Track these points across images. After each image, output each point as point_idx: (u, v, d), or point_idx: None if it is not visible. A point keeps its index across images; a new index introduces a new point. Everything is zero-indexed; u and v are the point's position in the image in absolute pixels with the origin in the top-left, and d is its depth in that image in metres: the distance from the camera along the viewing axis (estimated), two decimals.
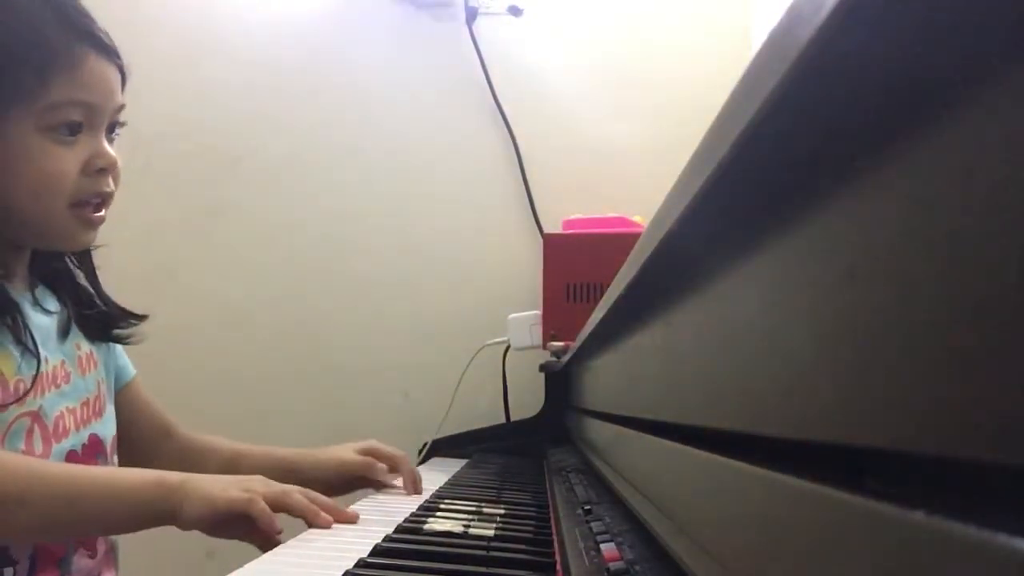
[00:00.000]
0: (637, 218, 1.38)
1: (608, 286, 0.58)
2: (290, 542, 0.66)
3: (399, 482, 0.96)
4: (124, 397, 0.98)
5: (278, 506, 0.71)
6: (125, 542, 0.92)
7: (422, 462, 1.33)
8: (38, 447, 0.77)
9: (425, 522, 0.70)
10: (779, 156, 0.23)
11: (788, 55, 0.19)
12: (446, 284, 1.63)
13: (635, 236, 0.46)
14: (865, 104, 0.18)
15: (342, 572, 0.52)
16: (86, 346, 0.88)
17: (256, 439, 1.13)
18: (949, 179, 0.15)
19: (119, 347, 0.96)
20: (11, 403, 0.75)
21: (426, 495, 0.90)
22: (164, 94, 1.62)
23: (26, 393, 0.76)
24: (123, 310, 0.93)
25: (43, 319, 0.83)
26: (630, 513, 0.55)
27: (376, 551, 0.59)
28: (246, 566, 0.57)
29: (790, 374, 0.24)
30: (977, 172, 0.14)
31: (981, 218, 0.14)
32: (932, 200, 0.16)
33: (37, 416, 0.78)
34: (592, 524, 0.59)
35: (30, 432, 0.77)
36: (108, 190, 0.83)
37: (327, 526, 0.72)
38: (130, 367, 1.00)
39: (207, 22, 1.66)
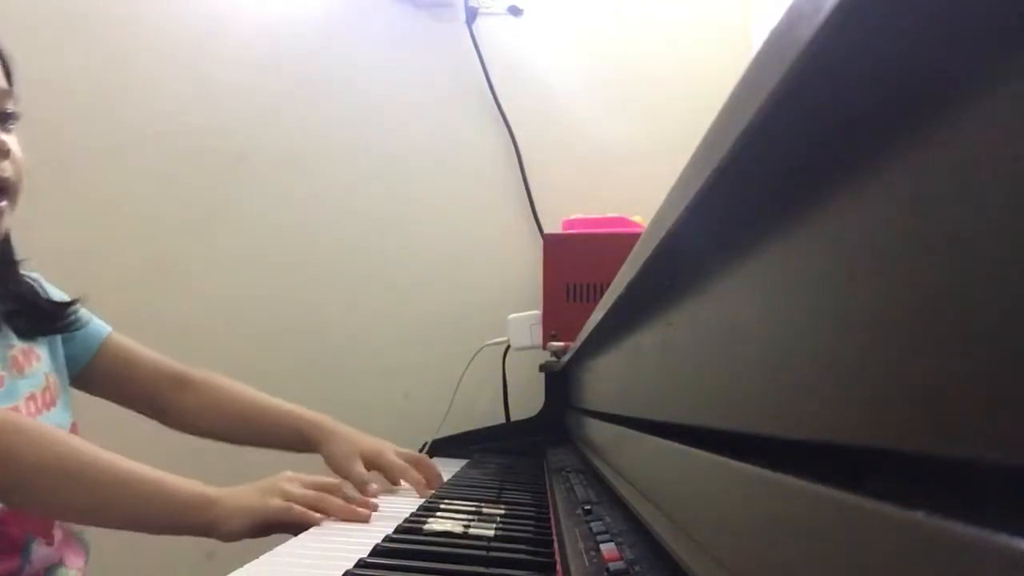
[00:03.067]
0: (637, 218, 1.38)
1: (608, 286, 0.58)
2: (290, 542, 0.66)
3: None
4: (105, 357, 0.96)
5: (316, 510, 0.74)
6: (125, 542, 0.92)
7: None
8: None
9: (425, 522, 0.70)
10: (779, 156, 0.23)
11: (788, 55, 0.19)
12: (446, 284, 1.63)
13: (635, 236, 0.46)
14: (865, 104, 0.18)
15: (342, 572, 0.52)
16: (19, 343, 0.86)
17: None
18: (949, 179, 0.15)
19: (79, 316, 0.93)
20: None
21: (426, 495, 0.90)
22: (165, 94, 1.62)
23: None
24: (53, 304, 0.91)
25: None
26: (630, 513, 0.54)
27: (376, 551, 0.59)
28: (246, 566, 0.57)
29: (790, 374, 0.24)
30: (977, 172, 0.14)
31: (981, 218, 0.14)
32: (932, 200, 0.16)
33: None
34: (592, 524, 0.59)
35: None
36: (3, 174, 0.80)
37: (367, 521, 0.75)
38: (99, 328, 0.97)
39: (208, 22, 1.66)
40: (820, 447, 0.21)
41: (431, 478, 0.96)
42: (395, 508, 0.80)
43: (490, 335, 1.50)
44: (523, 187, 1.62)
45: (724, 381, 0.31)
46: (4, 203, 0.81)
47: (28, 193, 0.87)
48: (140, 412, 1.01)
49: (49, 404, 0.87)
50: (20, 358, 0.86)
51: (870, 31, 0.16)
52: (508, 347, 1.48)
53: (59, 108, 1.57)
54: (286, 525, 0.73)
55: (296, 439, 0.99)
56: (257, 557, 0.60)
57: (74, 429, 0.90)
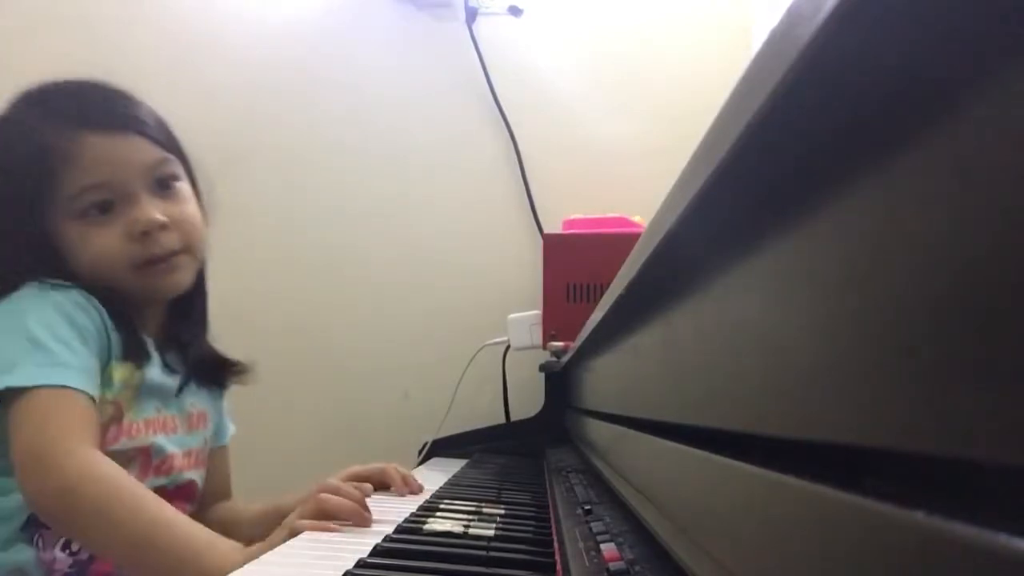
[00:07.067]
0: (637, 218, 1.38)
1: (608, 286, 0.58)
2: (290, 542, 0.66)
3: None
4: (214, 455, 1.04)
5: (326, 518, 0.74)
6: None
7: (422, 462, 1.33)
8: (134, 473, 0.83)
9: (425, 522, 0.70)
10: (779, 156, 0.23)
11: (788, 55, 0.19)
12: (446, 284, 1.63)
13: (635, 236, 0.46)
14: (865, 104, 0.18)
15: (342, 572, 0.52)
16: (200, 405, 0.97)
17: (256, 439, 1.13)
18: (949, 179, 0.15)
19: (224, 407, 1.06)
20: (123, 437, 0.84)
21: (426, 495, 0.90)
22: (164, 94, 1.61)
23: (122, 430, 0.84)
24: (225, 361, 1.05)
25: (167, 380, 0.92)
26: (630, 513, 0.55)
27: (376, 551, 0.59)
28: (246, 566, 0.57)
29: (790, 374, 0.24)
30: (977, 172, 0.14)
31: (981, 218, 0.14)
32: (932, 200, 0.16)
33: (147, 451, 0.87)
34: (592, 524, 0.59)
35: (132, 460, 0.85)
36: (158, 250, 0.87)
37: (369, 524, 0.74)
38: (229, 429, 1.08)
39: (207, 22, 1.66)
40: (820, 447, 0.21)
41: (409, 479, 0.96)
42: (395, 508, 0.80)
43: (490, 335, 1.50)
44: (523, 187, 1.62)
45: (724, 381, 0.31)
46: (168, 265, 0.89)
47: None
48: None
49: (203, 463, 0.97)
50: (195, 419, 0.96)
51: (870, 31, 0.16)
52: (508, 347, 1.48)
53: None
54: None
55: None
56: None
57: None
